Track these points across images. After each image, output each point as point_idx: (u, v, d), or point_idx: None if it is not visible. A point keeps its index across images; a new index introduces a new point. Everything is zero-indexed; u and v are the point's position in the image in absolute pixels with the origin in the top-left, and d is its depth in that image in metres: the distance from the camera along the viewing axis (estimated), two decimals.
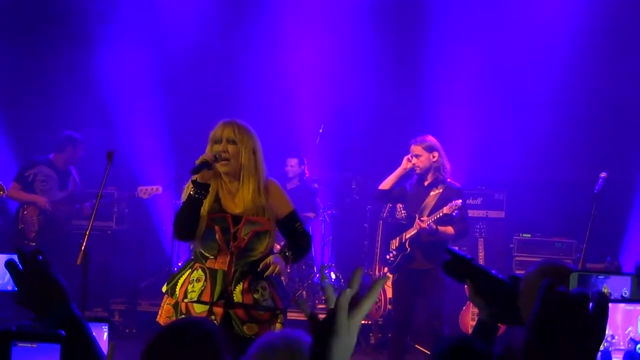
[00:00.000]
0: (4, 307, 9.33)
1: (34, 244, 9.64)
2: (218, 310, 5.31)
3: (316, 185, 11.17)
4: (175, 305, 5.43)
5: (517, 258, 10.11)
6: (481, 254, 9.71)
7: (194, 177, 5.21)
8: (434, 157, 7.99)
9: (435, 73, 11.41)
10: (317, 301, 10.86)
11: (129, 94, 11.81)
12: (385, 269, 9.91)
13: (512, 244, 10.21)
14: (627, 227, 10.81)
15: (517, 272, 9.82)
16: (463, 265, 3.85)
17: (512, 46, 11.25)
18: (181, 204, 5.40)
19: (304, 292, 10.82)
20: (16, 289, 2.54)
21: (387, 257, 8.26)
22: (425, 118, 11.42)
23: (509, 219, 10.45)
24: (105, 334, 3.12)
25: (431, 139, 8.08)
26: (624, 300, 2.30)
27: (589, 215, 7.88)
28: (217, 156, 5.27)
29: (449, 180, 8.10)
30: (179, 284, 5.44)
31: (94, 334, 2.98)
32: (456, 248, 4.24)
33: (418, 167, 8.04)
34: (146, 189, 10.18)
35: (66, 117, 11.31)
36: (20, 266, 2.53)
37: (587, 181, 8.82)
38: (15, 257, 2.55)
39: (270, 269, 5.27)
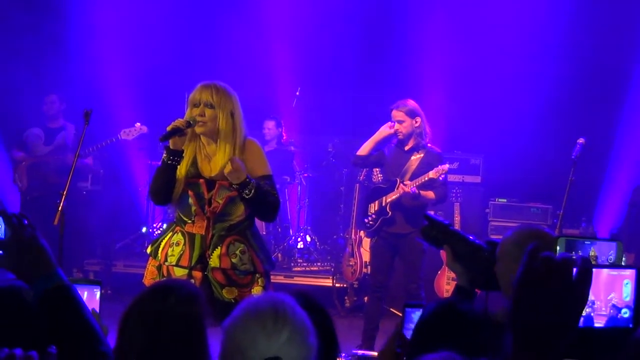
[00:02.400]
0: None
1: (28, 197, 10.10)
2: (197, 274, 5.30)
3: (293, 148, 11.17)
4: (159, 268, 5.43)
5: (493, 223, 10.16)
6: (457, 219, 9.74)
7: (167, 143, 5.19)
8: (416, 122, 7.98)
9: (413, 35, 11.39)
10: (292, 264, 10.88)
11: (105, 53, 11.72)
12: (362, 233, 9.96)
13: (488, 209, 10.26)
14: (600, 192, 10.89)
15: (493, 237, 9.85)
16: (441, 230, 3.85)
17: (491, 9, 11.22)
18: (156, 169, 5.38)
19: (280, 255, 10.85)
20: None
21: (366, 220, 8.26)
22: (402, 81, 11.40)
23: (485, 184, 10.48)
24: (98, 295, 3.11)
25: (412, 104, 8.07)
26: (609, 265, 2.31)
27: (565, 181, 7.90)
28: (191, 121, 5.21)
29: (429, 145, 8.10)
30: (161, 247, 5.43)
31: (85, 295, 2.99)
32: (433, 213, 4.25)
33: (401, 132, 8.02)
34: (129, 130, 10.09)
35: (48, 79, 11.26)
36: (5, 229, 2.50)
37: (564, 147, 8.85)
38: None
39: (227, 166, 5.06)
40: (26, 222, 2.52)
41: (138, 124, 10.11)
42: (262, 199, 5.19)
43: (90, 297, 3.10)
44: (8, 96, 11.43)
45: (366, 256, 9.52)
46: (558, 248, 2.26)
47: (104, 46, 11.71)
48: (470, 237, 3.88)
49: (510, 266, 4.21)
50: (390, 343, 3.54)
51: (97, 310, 3.07)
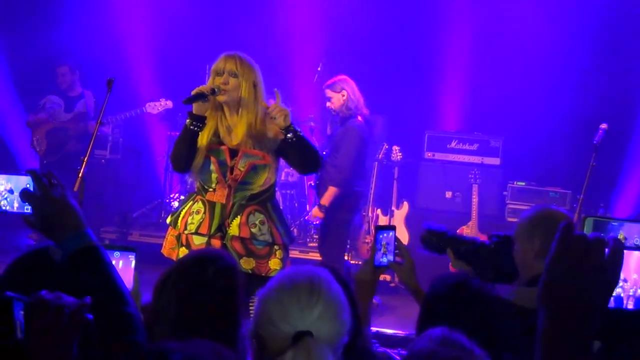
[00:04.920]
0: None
1: (45, 162, 10.17)
2: (215, 242, 5.32)
3: (313, 124, 11.13)
4: (178, 237, 5.44)
5: (511, 206, 10.11)
6: (475, 200, 9.72)
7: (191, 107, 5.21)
8: (343, 95, 8.14)
9: (436, 12, 11.33)
10: (308, 239, 10.86)
11: (128, 23, 11.71)
12: (378, 210, 9.95)
13: (506, 192, 10.21)
14: (619, 179, 10.82)
15: (510, 219, 9.86)
16: (440, 238, 3.92)
17: None
18: (178, 135, 5.40)
19: (295, 230, 10.83)
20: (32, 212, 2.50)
21: None
22: (422, 59, 11.37)
23: (504, 166, 10.43)
24: (133, 263, 3.10)
25: (340, 80, 8.26)
26: (639, 247, 2.29)
27: (585, 166, 7.87)
28: (216, 89, 5.24)
29: (359, 117, 8.31)
30: (181, 216, 5.45)
31: (120, 262, 2.98)
32: (431, 223, 4.28)
33: (332, 109, 8.30)
34: (155, 104, 10.11)
35: (66, 46, 11.27)
36: (34, 188, 2.49)
37: (586, 131, 8.81)
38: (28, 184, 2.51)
39: (276, 106, 5.14)
40: (55, 181, 2.51)
41: (163, 100, 10.13)
42: (306, 144, 5.27)
43: (126, 264, 3.09)
44: (28, 65, 11.46)
45: None
46: (585, 229, 2.24)
47: (126, 16, 11.69)
48: (467, 238, 3.94)
49: (524, 246, 4.21)
50: (367, 263, 3.63)
51: (132, 277, 3.07)
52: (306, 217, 8.13)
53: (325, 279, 2.49)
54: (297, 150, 5.27)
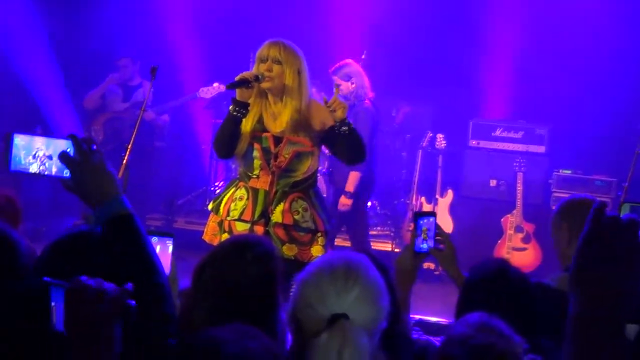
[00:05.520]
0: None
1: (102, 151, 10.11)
2: (258, 229, 5.35)
3: None
4: (220, 223, 5.49)
5: (556, 194, 10.02)
6: (519, 188, 9.67)
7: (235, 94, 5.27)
8: (352, 84, 8.07)
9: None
10: None
11: (175, 13, 11.76)
12: (423, 198, 9.93)
13: (551, 180, 10.13)
14: None
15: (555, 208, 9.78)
16: None
17: None
18: (222, 121, 5.43)
19: None
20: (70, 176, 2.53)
21: None
22: (467, 46, 11.29)
23: (549, 154, 10.34)
24: (170, 247, 3.12)
25: (348, 66, 8.18)
26: None
27: (632, 154, 7.80)
28: (260, 76, 5.27)
29: (367, 101, 8.34)
30: (224, 202, 5.49)
31: (158, 247, 3.01)
32: None
33: (340, 95, 8.17)
34: (208, 89, 10.17)
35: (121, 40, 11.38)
36: (74, 153, 2.52)
37: (632, 119, 8.72)
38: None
39: (336, 100, 5.20)
40: (95, 147, 2.54)
41: (216, 84, 10.17)
42: (357, 136, 5.30)
43: (163, 249, 3.12)
44: (84, 57, 11.57)
45: None
46: (621, 214, 2.23)
47: (175, 4, 11.75)
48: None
49: (557, 236, 4.27)
50: (407, 249, 3.63)
51: (170, 262, 3.09)
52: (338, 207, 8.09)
53: (363, 263, 2.50)
54: (347, 143, 5.32)
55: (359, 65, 8.38)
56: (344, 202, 8.06)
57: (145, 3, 11.69)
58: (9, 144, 2.57)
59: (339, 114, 5.16)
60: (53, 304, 2.26)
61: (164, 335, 2.45)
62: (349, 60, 8.34)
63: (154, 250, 2.54)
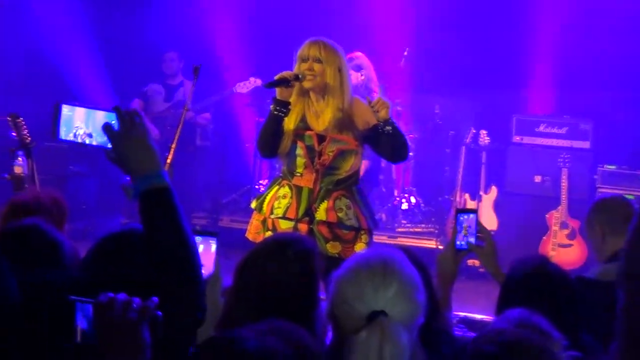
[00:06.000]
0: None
1: None
2: (303, 227, 5.37)
3: (399, 108, 11.11)
4: (263, 222, 5.52)
5: (601, 189, 9.95)
6: (564, 184, 9.62)
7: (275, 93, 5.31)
8: (361, 75, 8.03)
9: None
10: (396, 224, 10.88)
11: (217, 10, 11.82)
12: (466, 195, 9.92)
13: (596, 175, 10.07)
14: None
15: None
16: None
17: None
18: (263, 121, 5.47)
19: (384, 215, 10.85)
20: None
21: None
22: (510, 41, 11.24)
23: (594, 150, 10.28)
24: (214, 247, 3.15)
25: (359, 58, 8.15)
26: None
27: None
28: (300, 75, 5.30)
29: (374, 94, 8.17)
30: (267, 200, 5.52)
31: (201, 247, 3.05)
32: None
33: None
34: (244, 84, 10.22)
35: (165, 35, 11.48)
36: (118, 125, 2.56)
37: None
38: (113, 117, 2.58)
39: (379, 100, 5.18)
40: (138, 119, 2.58)
41: (252, 78, 10.22)
42: (400, 135, 5.30)
43: (207, 247, 3.14)
44: (130, 52, 11.67)
45: None
46: None
47: (217, 4, 11.81)
48: None
49: (592, 235, 4.37)
50: (449, 246, 3.65)
51: (213, 261, 3.12)
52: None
53: (399, 260, 2.52)
54: (390, 142, 5.31)
55: (367, 59, 8.34)
56: None
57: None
58: (56, 114, 2.63)
59: (383, 113, 5.17)
60: (78, 322, 2.30)
61: (192, 318, 2.49)
62: (359, 53, 8.36)
63: (189, 226, 2.57)
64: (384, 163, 10.65)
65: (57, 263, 2.99)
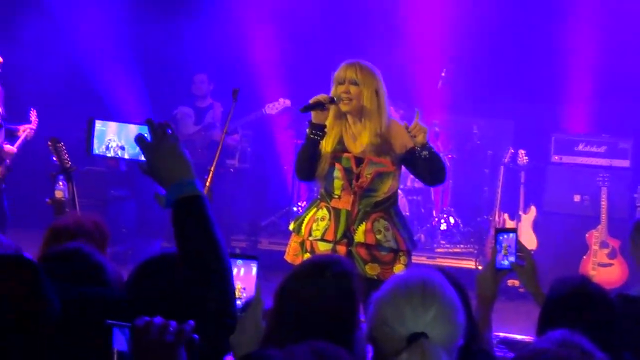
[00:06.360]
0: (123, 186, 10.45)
1: None
2: (341, 249, 5.38)
3: (437, 129, 11.11)
4: (302, 244, 5.52)
5: None
6: (604, 203, 9.57)
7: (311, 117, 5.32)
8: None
9: (562, 14, 11.16)
10: (435, 245, 10.85)
11: (251, 33, 11.87)
12: (505, 215, 9.88)
13: (636, 194, 10.00)
14: None
15: None
16: None
17: None
18: (300, 145, 5.50)
19: (422, 236, 10.83)
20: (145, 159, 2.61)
21: None
22: (547, 59, 11.21)
23: (634, 168, 10.22)
24: (254, 270, 3.17)
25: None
26: None
27: None
28: (336, 98, 5.31)
29: None
30: (305, 222, 5.53)
31: (242, 270, 3.07)
32: None
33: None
34: (273, 105, 10.26)
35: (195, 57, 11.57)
36: (150, 137, 2.60)
37: None
38: (144, 130, 2.62)
39: (416, 125, 5.17)
40: (170, 131, 2.62)
41: (282, 99, 10.26)
42: (437, 159, 5.30)
43: (247, 271, 3.16)
44: (160, 72, 11.77)
45: None
46: None
47: (249, 26, 11.85)
48: None
49: (635, 253, 4.34)
50: (488, 266, 3.64)
51: (254, 284, 3.14)
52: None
53: (438, 281, 2.52)
54: (427, 166, 5.31)
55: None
56: None
57: (222, 21, 11.79)
58: (90, 130, 2.68)
59: (420, 139, 5.17)
60: (114, 346, 2.32)
61: (222, 325, 2.51)
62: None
63: (221, 235, 2.59)
64: (421, 184, 10.65)
65: (101, 285, 3.02)
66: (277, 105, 10.24)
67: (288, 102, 10.22)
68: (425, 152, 5.21)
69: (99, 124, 2.71)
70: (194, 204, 2.57)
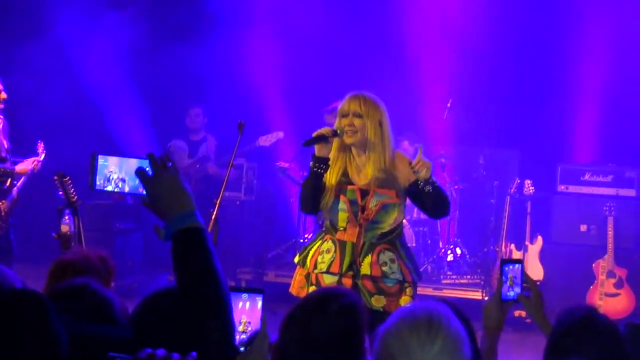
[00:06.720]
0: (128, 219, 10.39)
1: None
2: (347, 281, 5.36)
3: (443, 160, 11.12)
4: (307, 276, 5.50)
5: None
6: (610, 233, 9.57)
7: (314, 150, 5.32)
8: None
9: (567, 44, 11.20)
10: (442, 276, 10.84)
11: (252, 68, 11.91)
12: (512, 246, 9.87)
13: None
14: None
15: None
16: None
17: None
18: (304, 179, 5.50)
19: (429, 267, 10.82)
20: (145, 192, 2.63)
21: None
22: (553, 90, 11.25)
23: None
24: (260, 303, 3.17)
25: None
26: None
27: None
28: (338, 131, 5.31)
29: None
30: (310, 255, 5.51)
31: (247, 304, 3.07)
32: None
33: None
34: (266, 137, 10.29)
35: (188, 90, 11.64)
36: (150, 170, 2.62)
37: None
38: (145, 163, 2.64)
39: (419, 160, 5.18)
40: (171, 164, 2.64)
41: (275, 132, 10.30)
42: (441, 193, 5.31)
43: (253, 305, 3.16)
44: (155, 106, 11.82)
45: None
46: None
47: (250, 57, 11.90)
48: None
49: None
50: (494, 297, 3.62)
51: (260, 318, 3.14)
52: None
53: (445, 314, 2.52)
54: (431, 199, 5.31)
55: None
56: None
57: (223, 52, 11.82)
58: (93, 165, 2.71)
59: (423, 174, 5.18)
60: None
61: (223, 356, 2.51)
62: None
63: (220, 266, 2.60)
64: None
65: (108, 321, 3.02)
66: (270, 138, 10.29)
67: (281, 134, 10.27)
68: (428, 187, 5.22)
69: (101, 159, 2.74)
70: (195, 235, 2.59)
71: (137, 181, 2.63)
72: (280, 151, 11.04)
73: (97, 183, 2.77)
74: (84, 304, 3.02)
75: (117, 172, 2.74)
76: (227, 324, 2.56)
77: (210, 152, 10.67)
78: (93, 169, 2.75)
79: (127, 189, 2.74)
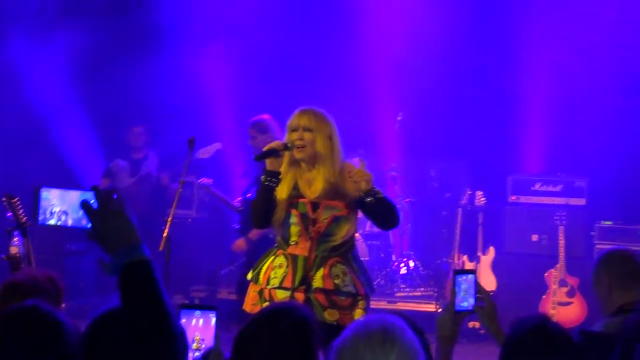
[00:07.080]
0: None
1: None
2: (299, 295, 5.33)
3: (394, 173, 11.15)
4: (260, 292, 5.47)
5: (599, 246, 9.95)
6: (562, 242, 9.62)
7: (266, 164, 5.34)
8: (270, 138, 8.05)
9: (514, 56, 11.28)
10: (395, 289, 10.85)
11: (209, 88, 11.88)
12: (465, 257, 9.90)
13: (593, 232, 10.07)
14: None
15: None
16: None
17: (598, 20, 10.98)
18: (255, 193, 5.49)
19: (382, 281, 10.83)
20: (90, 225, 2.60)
21: None
22: (503, 103, 11.32)
23: (590, 207, 10.30)
24: (213, 320, 3.15)
25: (266, 120, 8.22)
26: None
27: None
28: (289, 145, 5.32)
29: None
30: (263, 271, 5.49)
31: (201, 321, 3.05)
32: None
33: (255, 148, 8.08)
34: (205, 149, 10.27)
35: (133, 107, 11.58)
36: (96, 203, 2.59)
37: None
38: (90, 196, 2.61)
39: (358, 172, 5.21)
40: (116, 196, 2.61)
41: (215, 143, 10.30)
42: (386, 204, 5.31)
43: (206, 322, 3.14)
44: (104, 125, 11.76)
45: None
46: None
47: (198, 72, 11.87)
48: None
49: (599, 288, 4.34)
50: (448, 308, 3.62)
51: (214, 335, 3.11)
52: (231, 247, 8.40)
53: (399, 326, 2.50)
54: (377, 211, 5.33)
55: (277, 123, 8.35)
56: (240, 244, 8.47)
57: (168, 69, 11.78)
58: (37, 198, 2.68)
59: (363, 185, 5.20)
60: None
61: None
62: (266, 115, 8.34)
63: (168, 298, 2.58)
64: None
65: (60, 345, 2.98)
66: (208, 149, 10.25)
67: (219, 145, 10.24)
68: (370, 199, 5.22)
69: (44, 192, 2.71)
70: (142, 268, 2.56)
71: (81, 213, 2.61)
72: (235, 166, 10.98)
73: (40, 217, 2.74)
74: (34, 327, 2.98)
75: (59, 205, 2.71)
76: (177, 355, 2.53)
77: (152, 169, 10.63)
78: (36, 202, 2.72)
79: (70, 222, 2.71)
